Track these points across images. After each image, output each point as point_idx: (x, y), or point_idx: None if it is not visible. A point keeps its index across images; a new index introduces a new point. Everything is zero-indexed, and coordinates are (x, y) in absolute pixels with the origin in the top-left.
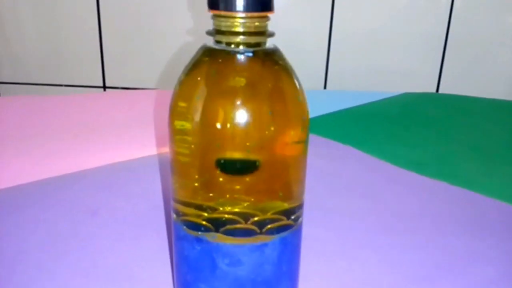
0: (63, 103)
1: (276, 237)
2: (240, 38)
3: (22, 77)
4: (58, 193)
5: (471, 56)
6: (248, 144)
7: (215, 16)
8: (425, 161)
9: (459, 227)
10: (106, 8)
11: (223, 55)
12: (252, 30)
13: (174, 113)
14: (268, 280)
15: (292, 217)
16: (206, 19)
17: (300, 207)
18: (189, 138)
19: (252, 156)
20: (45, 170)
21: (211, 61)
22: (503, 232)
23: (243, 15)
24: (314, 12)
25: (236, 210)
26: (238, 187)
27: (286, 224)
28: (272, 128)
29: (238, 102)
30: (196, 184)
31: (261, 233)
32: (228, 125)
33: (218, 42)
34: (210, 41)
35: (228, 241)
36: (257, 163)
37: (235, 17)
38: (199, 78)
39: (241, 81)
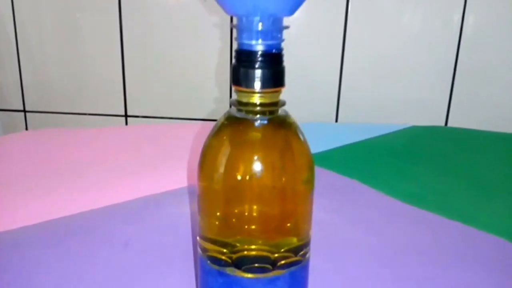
0: (90, 136)
1: (286, 272)
2: (257, 109)
3: (47, 105)
4: (92, 227)
5: (480, 85)
6: (263, 195)
7: (237, 91)
8: (427, 195)
9: (456, 261)
10: (129, 39)
11: (243, 122)
12: (267, 102)
13: (202, 169)
14: None
15: (301, 253)
16: (222, 51)
17: (307, 244)
18: (214, 188)
19: (266, 203)
20: (79, 204)
21: (233, 127)
22: (496, 266)
23: (260, 91)
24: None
25: (253, 247)
26: (254, 227)
27: (295, 260)
28: (284, 180)
29: (255, 161)
30: (217, 223)
31: (273, 269)
32: (247, 180)
33: (239, 110)
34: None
35: (246, 276)
36: (271, 209)
37: (254, 93)
38: (223, 141)
39: (257, 144)
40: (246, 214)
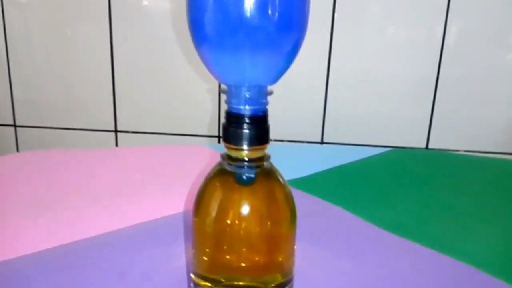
0: (81, 158)
1: None
2: (245, 164)
3: (37, 120)
4: (87, 257)
5: (462, 100)
6: (249, 239)
7: (227, 148)
8: (405, 222)
9: None
10: (119, 53)
11: (232, 175)
12: (254, 157)
13: (196, 213)
14: None
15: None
16: None
17: (291, 280)
18: (206, 230)
19: (252, 246)
20: (73, 232)
21: (224, 178)
22: None
23: (247, 149)
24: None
25: (241, 283)
26: (242, 265)
27: None
28: (268, 225)
29: (243, 210)
30: (208, 261)
31: None
32: (235, 225)
33: (229, 164)
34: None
35: None
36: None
37: (242, 150)
38: (215, 190)
39: (245, 194)
40: (234, 254)
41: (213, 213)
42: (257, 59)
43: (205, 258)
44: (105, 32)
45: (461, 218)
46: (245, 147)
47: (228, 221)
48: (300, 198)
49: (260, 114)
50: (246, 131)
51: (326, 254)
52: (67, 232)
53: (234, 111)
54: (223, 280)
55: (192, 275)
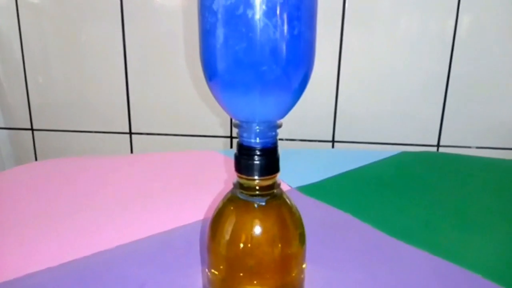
0: (97, 166)
1: None
2: (256, 192)
3: (53, 124)
4: (107, 269)
5: (473, 96)
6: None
7: (239, 177)
8: (415, 230)
9: None
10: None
11: (244, 203)
12: (265, 185)
13: (211, 236)
14: None
15: None
16: None
17: None
18: (221, 252)
19: (265, 266)
20: (92, 245)
21: (236, 205)
22: None
23: (258, 179)
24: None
25: None
26: (255, 282)
27: None
28: (279, 248)
29: (254, 235)
30: (222, 279)
31: None
32: (248, 248)
33: (241, 192)
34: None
35: None
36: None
37: (253, 180)
38: (229, 216)
39: (256, 221)
40: (247, 274)
41: (227, 237)
42: (267, 98)
43: (219, 275)
44: (118, 35)
45: (472, 226)
46: (256, 177)
47: (241, 244)
48: (311, 206)
49: (270, 146)
50: (257, 162)
51: (335, 263)
52: (84, 245)
53: (245, 143)
54: None
55: None
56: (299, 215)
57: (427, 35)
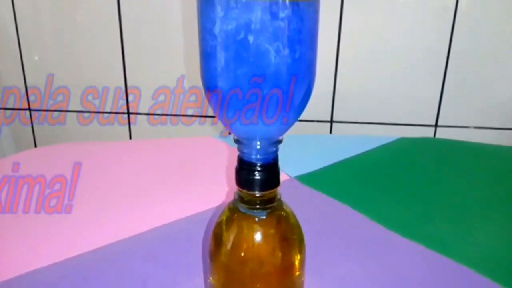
0: (99, 153)
1: None
2: (257, 206)
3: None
4: (109, 266)
5: (473, 75)
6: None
7: (240, 191)
8: (411, 223)
9: None
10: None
11: (245, 215)
12: (265, 199)
13: (212, 248)
14: None
15: None
16: None
17: None
18: (222, 261)
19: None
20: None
21: (238, 219)
22: None
23: (259, 193)
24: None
25: None
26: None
27: None
28: (279, 257)
29: (255, 247)
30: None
31: None
32: (248, 258)
33: (242, 206)
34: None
35: None
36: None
37: (254, 194)
38: (228, 230)
39: (256, 235)
40: (249, 280)
41: (229, 249)
42: (268, 119)
43: (220, 283)
44: (114, 13)
45: (468, 218)
46: (256, 192)
47: (242, 253)
48: (308, 196)
49: (271, 161)
50: (257, 177)
51: (332, 256)
52: (85, 240)
53: (246, 159)
54: None
55: None
56: (298, 225)
57: (427, 12)
